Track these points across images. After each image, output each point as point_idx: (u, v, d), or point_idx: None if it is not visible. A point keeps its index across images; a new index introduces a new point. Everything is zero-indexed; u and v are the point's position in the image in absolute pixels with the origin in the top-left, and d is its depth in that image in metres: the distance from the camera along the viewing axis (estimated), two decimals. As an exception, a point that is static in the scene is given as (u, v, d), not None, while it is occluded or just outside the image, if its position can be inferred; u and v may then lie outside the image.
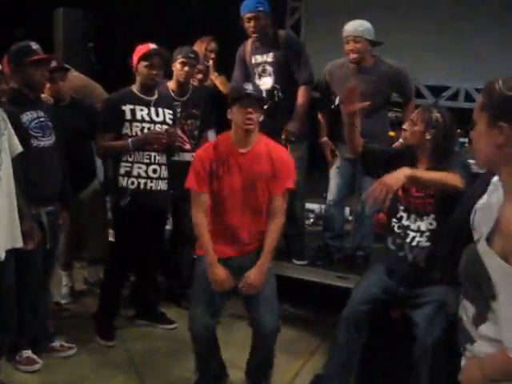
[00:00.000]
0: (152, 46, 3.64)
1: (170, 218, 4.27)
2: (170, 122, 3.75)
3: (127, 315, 4.07)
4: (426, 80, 6.76)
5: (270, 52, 3.99)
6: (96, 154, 4.06)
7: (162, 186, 3.71)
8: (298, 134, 3.90)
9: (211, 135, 4.19)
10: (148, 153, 3.62)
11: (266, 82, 3.98)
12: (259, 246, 3.03)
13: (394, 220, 3.05)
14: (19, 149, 2.91)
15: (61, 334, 3.65)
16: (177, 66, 3.97)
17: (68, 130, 3.49)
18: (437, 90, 6.65)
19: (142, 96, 3.66)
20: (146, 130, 3.63)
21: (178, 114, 3.98)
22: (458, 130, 4.75)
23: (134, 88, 3.68)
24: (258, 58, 4.03)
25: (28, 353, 3.35)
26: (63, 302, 4.18)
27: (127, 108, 3.61)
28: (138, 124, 3.62)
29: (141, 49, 3.63)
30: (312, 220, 5.05)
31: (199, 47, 4.66)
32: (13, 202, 2.82)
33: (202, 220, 2.99)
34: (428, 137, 2.91)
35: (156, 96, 3.71)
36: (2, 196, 2.74)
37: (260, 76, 4.02)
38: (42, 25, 5.17)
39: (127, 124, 3.61)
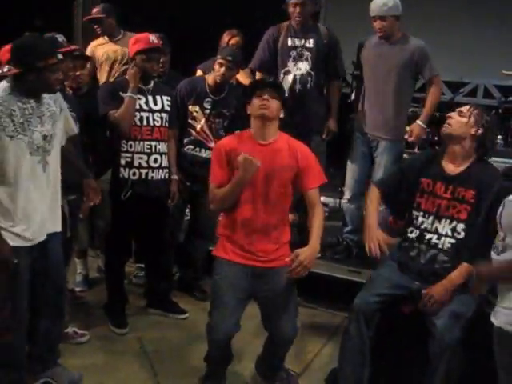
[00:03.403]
0: (151, 38, 3.54)
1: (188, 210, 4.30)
2: (168, 108, 3.69)
3: (140, 304, 4.09)
4: (444, 76, 6.67)
5: (311, 38, 4.00)
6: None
7: (162, 175, 3.69)
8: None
9: None
10: (149, 142, 3.59)
11: (300, 67, 4.00)
12: (281, 265, 2.89)
13: (409, 224, 3.02)
14: (74, 131, 3.02)
15: (74, 320, 3.68)
16: (215, 66, 3.91)
17: (85, 117, 3.49)
18: (455, 86, 6.57)
19: (139, 85, 3.58)
20: (144, 120, 3.58)
21: (208, 111, 3.97)
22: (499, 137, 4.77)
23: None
24: (296, 41, 4.02)
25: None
26: (77, 289, 4.21)
27: (126, 96, 3.54)
28: (137, 113, 3.56)
29: (139, 40, 3.55)
30: (327, 214, 5.04)
31: (224, 39, 4.68)
32: (57, 191, 2.87)
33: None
34: (474, 132, 2.85)
35: (152, 84, 3.66)
36: (47, 183, 2.79)
37: (295, 59, 4.01)
38: (63, 14, 5.21)
39: None
